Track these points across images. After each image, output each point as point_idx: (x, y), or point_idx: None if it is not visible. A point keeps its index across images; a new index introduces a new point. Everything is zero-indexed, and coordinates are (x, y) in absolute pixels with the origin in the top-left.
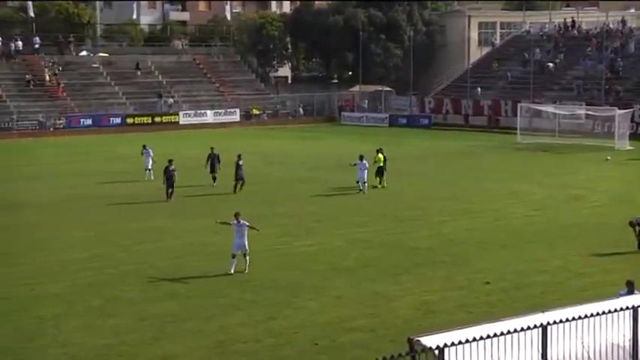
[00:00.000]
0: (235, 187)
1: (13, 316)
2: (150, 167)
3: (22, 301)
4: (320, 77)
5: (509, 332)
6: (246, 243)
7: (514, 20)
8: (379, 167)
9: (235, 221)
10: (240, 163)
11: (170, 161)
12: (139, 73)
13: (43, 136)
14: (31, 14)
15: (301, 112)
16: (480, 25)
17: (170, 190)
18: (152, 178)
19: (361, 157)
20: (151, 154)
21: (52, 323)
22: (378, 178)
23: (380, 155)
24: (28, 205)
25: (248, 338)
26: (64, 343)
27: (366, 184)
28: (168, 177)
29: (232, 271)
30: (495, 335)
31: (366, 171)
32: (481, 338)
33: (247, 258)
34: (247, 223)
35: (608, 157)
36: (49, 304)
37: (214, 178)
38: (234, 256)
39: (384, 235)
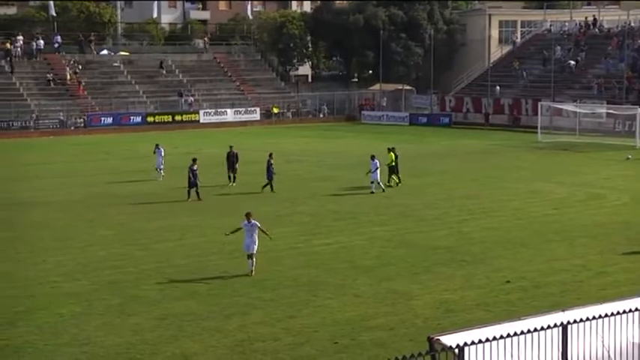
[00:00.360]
0: (267, 185)
1: (34, 314)
2: (161, 167)
3: (44, 300)
4: (340, 76)
5: (529, 331)
6: (256, 244)
7: (535, 19)
8: (391, 166)
9: (246, 221)
10: (272, 161)
11: (194, 160)
12: (164, 72)
13: (63, 134)
14: (53, 13)
15: (326, 110)
16: (501, 23)
17: (195, 189)
18: (163, 174)
19: (372, 157)
20: (163, 153)
21: (73, 322)
22: (390, 177)
23: (392, 154)
24: (48, 203)
25: (267, 337)
26: (83, 342)
27: (381, 183)
28: (193, 175)
29: (253, 272)
30: (515, 334)
31: (378, 170)
32: (501, 337)
33: (254, 260)
34: (259, 224)
35: (630, 156)
36: (69, 302)
37: (232, 178)
38: (249, 257)
39: (404, 234)
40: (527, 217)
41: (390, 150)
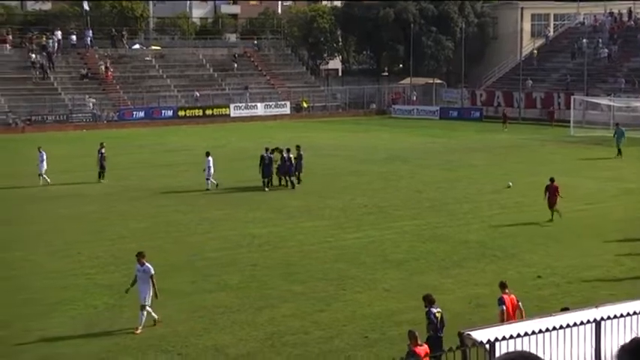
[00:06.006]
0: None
1: (68, 306)
2: (43, 172)
3: (77, 291)
4: (370, 70)
5: (561, 327)
6: (149, 293)
7: (568, 12)
8: (278, 166)
9: (138, 265)
10: (301, 153)
11: (299, 147)
12: (235, 65)
13: (96, 128)
14: (87, 8)
15: (378, 105)
16: (533, 16)
17: (288, 177)
18: (48, 181)
19: (207, 154)
20: (45, 157)
21: (106, 314)
22: (282, 177)
23: (277, 154)
24: (82, 196)
25: (297, 330)
26: (116, 333)
27: (213, 180)
28: (290, 164)
29: (157, 318)
30: (547, 330)
31: (212, 168)
32: (533, 333)
33: (144, 313)
34: (152, 271)
35: (510, 184)
36: (102, 294)
37: (266, 182)
38: (143, 308)
39: (434, 228)
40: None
41: (275, 150)
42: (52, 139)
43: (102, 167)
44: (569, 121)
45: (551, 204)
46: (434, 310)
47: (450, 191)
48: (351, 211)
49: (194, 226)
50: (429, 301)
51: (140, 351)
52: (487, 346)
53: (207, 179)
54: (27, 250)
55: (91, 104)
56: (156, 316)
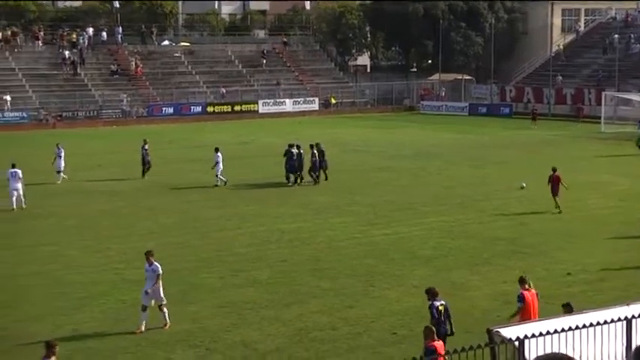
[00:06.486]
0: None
1: (98, 300)
2: (62, 169)
3: (107, 286)
4: (399, 66)
5: (591, 325)
6: (161, 291)
7: (599, 7)
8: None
9: (147, 264)
10: (323, 149)
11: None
12: (264, 61)
13: (126, 124)
14: (117, 5)
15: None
16: (564, 11)
17: (317, 174)
18: (59, 181)
19: (217, 150)
20: (63, 154)
21: (134, 309)
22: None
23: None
24: (113, 191)
25: (325, 326)
26: (145, 329)
27: (222, 176)
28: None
29: (143, 328)
30: (577, 328)
31: (220, 164)
32: (562, 330)
33: (165, 310)
34: (160, 271)
35: (524, 184)
36: (130, 290)
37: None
38: (144, 309)
39: (463, 225)
40: (589, 209)
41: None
42: (83, 135)
43: (146, 163)
44: (599, 118)
45: (554, 193)
46: (437, 303)
47: (479, 188)
48: (379, 207)
49: (223, 222)
50: (431, 294)
51: (169, 346)
52: (516, 343)
53: (217, 175)
54: (59, 244)
55: (124, 100)
56: (145, 322)
